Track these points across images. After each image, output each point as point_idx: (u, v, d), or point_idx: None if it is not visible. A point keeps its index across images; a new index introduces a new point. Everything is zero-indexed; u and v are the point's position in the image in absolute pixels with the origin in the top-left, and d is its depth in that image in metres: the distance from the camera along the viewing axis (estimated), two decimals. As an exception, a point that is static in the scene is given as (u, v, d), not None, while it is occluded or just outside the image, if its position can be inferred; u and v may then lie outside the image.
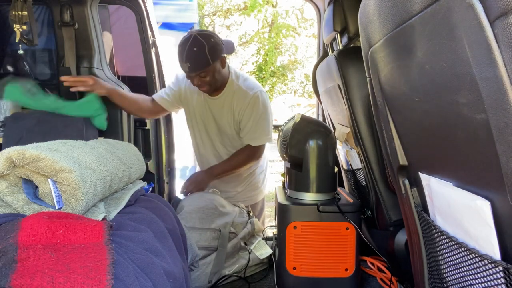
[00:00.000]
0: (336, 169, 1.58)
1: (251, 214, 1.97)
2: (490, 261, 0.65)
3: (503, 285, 0.64)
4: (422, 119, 0.78)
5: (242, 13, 14.11)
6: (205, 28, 14.24)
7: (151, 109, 2.21)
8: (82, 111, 1.93)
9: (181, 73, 2.11)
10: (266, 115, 2.05)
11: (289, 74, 15.96)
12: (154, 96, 2.22)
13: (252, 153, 2.10)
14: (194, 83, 1.93)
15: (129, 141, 2.29)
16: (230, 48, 2.03)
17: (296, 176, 1.58)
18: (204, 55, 1.83)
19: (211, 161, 2.20)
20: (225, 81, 2.03)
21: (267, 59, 14.52)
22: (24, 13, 1.94)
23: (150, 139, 2.48)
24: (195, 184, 2.08)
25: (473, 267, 0.72)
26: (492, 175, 0.59)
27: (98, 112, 1.98)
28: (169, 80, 2.62)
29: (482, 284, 0.69)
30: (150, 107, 2.20)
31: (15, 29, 1.94)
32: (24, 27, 1.96)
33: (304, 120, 1.60)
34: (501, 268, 0.63)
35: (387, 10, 0.78)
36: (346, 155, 1.86)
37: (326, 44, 1.98)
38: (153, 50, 2.50)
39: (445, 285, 0.87)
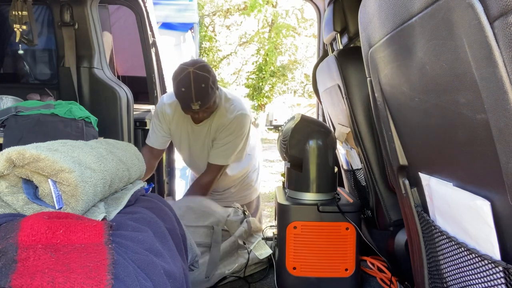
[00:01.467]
0: (336, 169, 1.58)
1: (246, 214, 1.98)
2: (490, 261, 0.65)
3: (503, 285, 0.64)
4: (422, 119, 0.78)
5: (242, 13, 14.11)
6: (205, 29, 14.24)
7: (155, 156, 2.19)
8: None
9: (164, 105, 2.09)
10: (240, 139, 2.02)
11: (289, 74, 15.97)
12: (150, 143, 2.15)
13: (210, 175, 2.05)
14: (198, 117, 1.90)
15: (129, 141, 2.29)
16: None
17: (296, 176, 1.58)
18: (211, 88, 1.81)
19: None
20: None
21: (267, 59, 14.53)
22: (24, 13, 1.94)
23: (150, 139, 2.48)
24: None
25: (473, 267, 0.72)
26: (492, 175, 0.59)
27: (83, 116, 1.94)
28: (168, 80, 2.62)
29: (482, 284, 0.69)
30: (153, 155, 2.18)
31: (15, 29, 1.94)
32: (24, 27, 1.96)
33: (304, 120, 1.60)
34: (501, 268, 0.63)
35: (387, 10, 0.78)
36: (346, 155, 1.86)
37: (326, 44, 1.98)
38: (153, 50, 2.50)
39: (445, 285, 0.87)
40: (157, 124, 2.13)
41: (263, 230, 1.98)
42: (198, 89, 1.78)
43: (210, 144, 2.06)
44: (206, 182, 2.05)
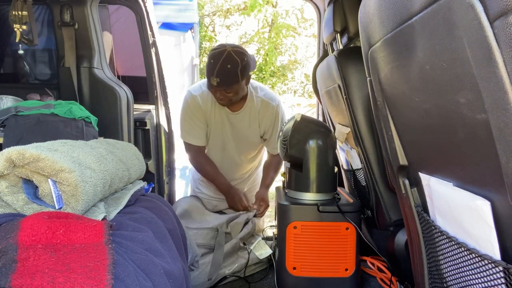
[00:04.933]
0: (336, 169, 1.58)
1: (257, 216, 2.00)
2: (490, 261, 0.65)
3: (503, 285, 0.64)
4: (422, 119, 0.78)
5: (242, 13, 14.09)
6: (205, 29, 14.24)
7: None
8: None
9: (195, 96, 2.08)
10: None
11: (289, 74, 15.94)
12: (200, 143, 2.16)
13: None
14: (216, 95, 1.93)
15: (129, 141, 2.29)
16: (253, 66, 2.04)
17: (296, 176, 1.58)
18: (235, 73, 1.83)
19: (228, 171, 2.23)
20: (245, 95, 2.05)
21: (267, 59, 14.49)
22: (24, 13, 1.94)
23: (150, 139, 2.48)
24: (266, 203, 2.21)
25: (473, 267, 0.72)
26: (492, 175, 0.59)
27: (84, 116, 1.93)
28: (168, 80, 2.62)
29: (482, 284, 0.69)
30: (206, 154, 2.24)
31: (15, 29, 1.94)
32: (24, 27, 1.96)
33: (304, 120, 1.60)
34: (501, 268, 0.63)
35: (387, 10, 0.78)
36: (346, 155, 1.86)
37: (326, 44, 1.97)
38: (153, 50, 2.50)
39: (445, 285, 0.87)
40: (194, 121, 2.08)
41: (263, 230, 1.99)
42: (223, 66, 1.81)
43: (260, 131, 2.14)
44: (278, 166, 2.27)
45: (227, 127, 2.12)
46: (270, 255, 1.80)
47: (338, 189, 1.70)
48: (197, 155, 2.16)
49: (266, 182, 2.28)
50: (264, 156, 2.41)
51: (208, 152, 2.24)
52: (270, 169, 2.29)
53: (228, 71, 1.82)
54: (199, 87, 2.09)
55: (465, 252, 0.73)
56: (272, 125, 2.12)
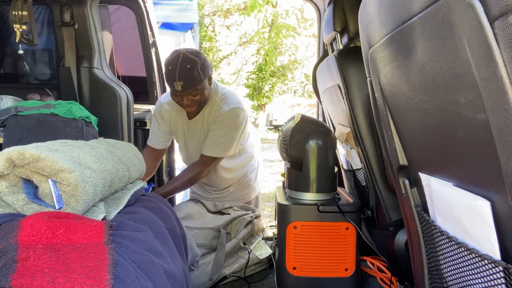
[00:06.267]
0: (336, 169, 1.58)
1: (256, 216, 2.00)
2: (490, 261, 0.65)
3: (503, 285, 0.64)
4: (422, 119, 0.78)
5: (242, 13, 14.11)
6: (205, 29, 14.25)
7: (156, 157, 2.18)
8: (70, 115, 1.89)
9: (162, 104, 2.08)
10: (234, 130, 1.95)
11: (289, 74, 15.95)
12: (150, 144, 2.15)
13: (201, 166, 1.97)
14: (183, 102, 1.85)
15: (129, 141, 2.29)
16: (210, 68, 2.01)
17: (296, 176, 1.58)
18: (197, 72, 1.79)
19: (210, 182, 2.18)
20: (207, 101, 1.97)
21: (267, 59, 14.52)
22: (24, 13, 1.94)
23: (150, 139, 2.48)
24: None
25: (473, 267, 0.72)
26: (492, 175, 0.59)
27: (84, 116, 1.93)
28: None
29: (482, 284, 0.69)
30: (154, 156, 2.16)
31: (15, 29, 1.94)
32: (24, 27, 1.96)
33: (304, 120, 1.60)
34: (501, 268, 0.63)
35: (387, 10, 0.78)
36: (346, 155, 1.86)
37: (326, 44, 1.98)
38: (153, 50, 2.50)
39: (445, 285, 0.87)
40: (156, 125, 2.13)
41: (263, 230, 1.99)
42: (182, 68, 1.78)
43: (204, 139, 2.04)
44: (197, 172, 1.98)
45: (187, 136, 2.07)
46: (270, 255, 1.80)
47: (338, 189, 1.70)
48: (143, 151, 2.16)
49: (158, 191, 1.89)
50: (257, 157, 2.36)
51: (182, 159, 2.24)
52: (176, 178, 2.05)
53: (190, 71, 1.78)
54: (168, 94, 2.04)
55: (465, 252, 0.74)
56: (215, 124, 1.94)
